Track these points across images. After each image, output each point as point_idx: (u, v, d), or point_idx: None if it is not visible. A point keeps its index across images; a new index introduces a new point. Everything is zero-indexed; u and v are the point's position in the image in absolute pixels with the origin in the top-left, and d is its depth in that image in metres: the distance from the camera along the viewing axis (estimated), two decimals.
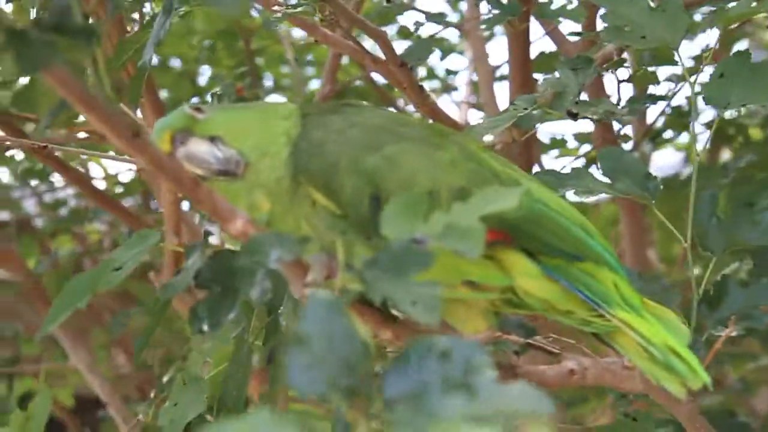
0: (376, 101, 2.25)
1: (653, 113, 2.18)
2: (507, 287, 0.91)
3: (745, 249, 1.15)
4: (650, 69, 1.79)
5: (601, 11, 1.20)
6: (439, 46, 2.43)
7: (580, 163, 2.09)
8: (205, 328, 0.86)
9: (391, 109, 2.06)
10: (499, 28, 2.17)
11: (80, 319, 2.31)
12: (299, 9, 1.25)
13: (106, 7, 1.15)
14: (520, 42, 1.70)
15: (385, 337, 0.87)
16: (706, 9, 1.46)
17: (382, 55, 1.39)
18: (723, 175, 1.93)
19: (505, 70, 2.13)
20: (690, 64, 1.87)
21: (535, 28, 1.73)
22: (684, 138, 2.40)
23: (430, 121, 1.44)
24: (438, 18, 1.77)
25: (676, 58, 1.16)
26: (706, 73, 1.15)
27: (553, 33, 1.76)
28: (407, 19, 3.04)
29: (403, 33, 2.32)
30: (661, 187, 1.12)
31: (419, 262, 0.67)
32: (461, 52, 2.65)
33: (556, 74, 1.28)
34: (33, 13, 1.03)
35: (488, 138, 1.55)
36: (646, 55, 1.84)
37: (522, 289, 0.91)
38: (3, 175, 2.61)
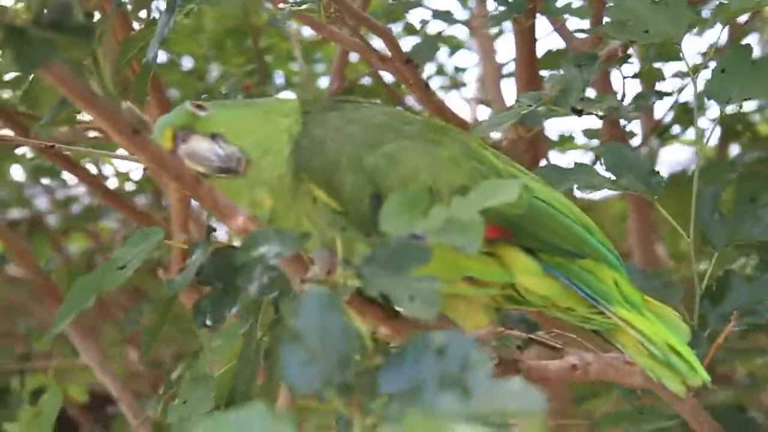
0: (384, 98, 2.24)
1: (661, 109, 2.17)
2: (507, 284, 0.91)
3: (751, 244, 1.15)
4: (656, 65, 1.79)
5: (609, 4, 1.21)
6: (447, 43, 2.42)
7: (588, 158, 2.09)
8: (208, 323, 0.87)
9: (399, 108, 2.06)
10: (507, 25, 2.16)
11: (90, 316, 2.32)
12: (304, 6, 1.25)
13: (110, 1, 1.16)
14: (526, 39, 1.70)
15: (386, 332, 0.88)
16: (713, 5, 1.46)
17: (389, 53, 1.39)
18: (731, 170, 1.92)
19: (512, 67, 2.13)
20: (699, 60, 1.86)
21: (545, 25, 1.73)
22: (692, 134, 2.39)
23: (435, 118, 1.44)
24: (445, 15, 1.78)
25: (681, 52, 1.17)
26: (711, 69, 1.16)
27: (562, 30, 1.76)
28: (415, 16, 3.03)
29: (410, 30, 2.32)
30: (669, 182, 1.12)
31: (417, 257, 0.67)
32: (470, 49, 2.64)
33: (561, 71, 1.28)
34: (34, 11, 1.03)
35: (495, 135, 1.56)
36: (652, 52, 1.83)
37: (522, 286, 0.91)
38: (16, 172, 2.62)
